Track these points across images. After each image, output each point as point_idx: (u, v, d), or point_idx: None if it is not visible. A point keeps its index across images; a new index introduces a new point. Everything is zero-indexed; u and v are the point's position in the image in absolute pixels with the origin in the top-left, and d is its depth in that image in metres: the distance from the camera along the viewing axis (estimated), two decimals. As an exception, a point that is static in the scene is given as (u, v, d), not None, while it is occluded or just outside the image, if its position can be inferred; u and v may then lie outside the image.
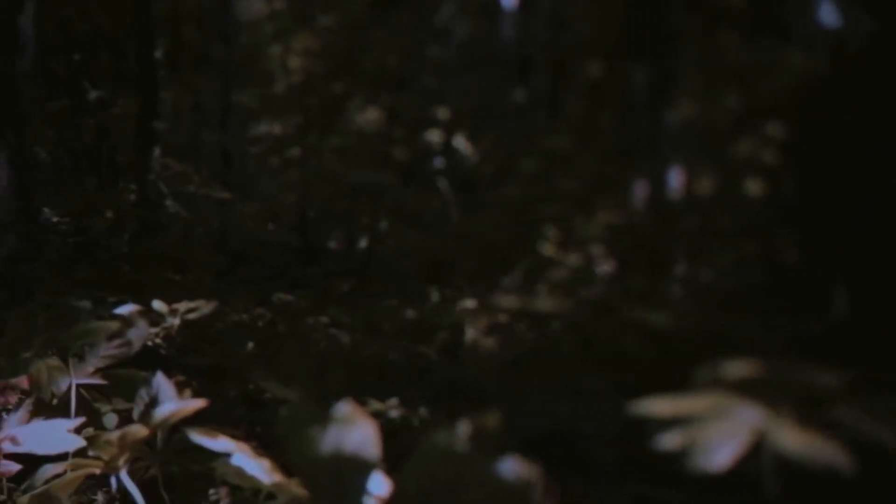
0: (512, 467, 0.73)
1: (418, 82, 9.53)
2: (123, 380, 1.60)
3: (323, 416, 0.80)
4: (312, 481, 0.80)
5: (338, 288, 5.99)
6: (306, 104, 8.13)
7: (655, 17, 7.78)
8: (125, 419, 1.57)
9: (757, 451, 0.79)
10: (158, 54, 5.43)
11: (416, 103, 9.30)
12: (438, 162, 9.23)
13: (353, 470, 0.76)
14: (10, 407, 1.54)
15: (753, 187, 6.90)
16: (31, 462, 1.37)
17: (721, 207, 6.77)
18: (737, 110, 7.74)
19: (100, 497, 1.52)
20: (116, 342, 1.63)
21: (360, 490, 0.75)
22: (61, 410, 1.54)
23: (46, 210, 4.41)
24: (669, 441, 0.81)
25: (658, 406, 0.86)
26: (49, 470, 1.27)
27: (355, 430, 0.79)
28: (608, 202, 6.72)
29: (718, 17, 8.18)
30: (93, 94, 5.18)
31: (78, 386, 1.61)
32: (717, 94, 7.81)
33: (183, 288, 4.11)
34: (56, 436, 1.30)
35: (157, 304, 2.64)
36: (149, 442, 1.32)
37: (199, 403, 1.21)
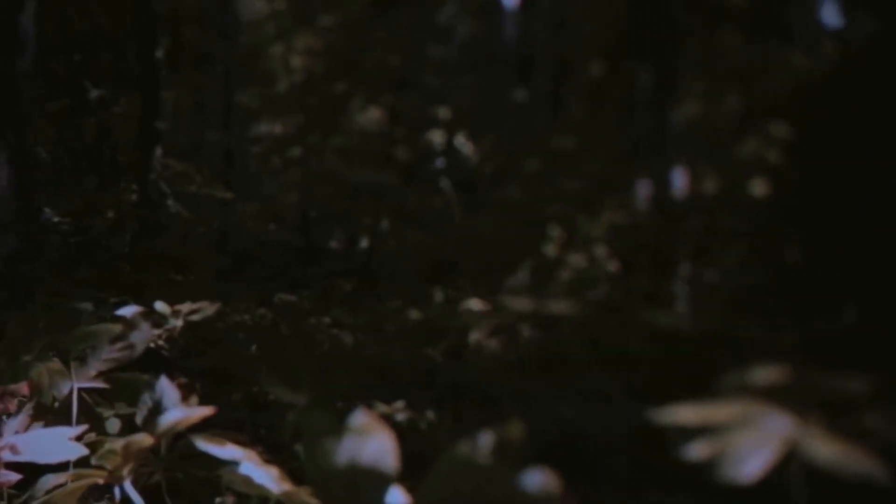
0: (537, 480, 0.70)
1: (420, 82, 9.51)
2: (126, 383, 1.56)
3: (337, 426, 0.77)
4: (327, 494, 0.77)
5: (340, 288, 5.97)
6: (307, 104, 8.11)
7: (658, 16, 7.76)
8: (128, 424, 1.54)
9: (781, 459, 0.76)
10: (159, 54, 5.40)
11: (418, 103, 9.28)
12: (440, 162, 9.21)
13: (369, 483, 0.73)
14: (8, 414, 1.51)
15: (757, 187, 6.88)
16: (32, 471, 1.34)
17: (725, 207, 6.74)
18: (740, 110, 7.72)
19: (103, 505, 1.49)
20: (119, 345, 1.60)
21: (378, 504, 0.73)
22: (62, 415, 1.51)
23: (47, 210, 4.39)
24: (697, 450, 0.78)
25: (683, 414, 0.83)
26: (50, 480, 1.24)
27: (372, 441, 0.76)
28: (612, 202, 6.70)
29: (721, 17, 8.16)
30: (94, 94, 5.15)
31: (80, 390, 1.58)
32: (720, 93, 7.79)
33: (184, 288, 4.09)
34: (57, 444, 1.27)
35: (160, 306, 2.61)
36: (152, 448, 1.29)
37: (206, 411, 1.18)
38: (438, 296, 5.67)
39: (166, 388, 1.38)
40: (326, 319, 4.59)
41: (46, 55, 4.69)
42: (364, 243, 7.94)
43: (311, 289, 5.67)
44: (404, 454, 0.87)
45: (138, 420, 1.37)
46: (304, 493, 1.01)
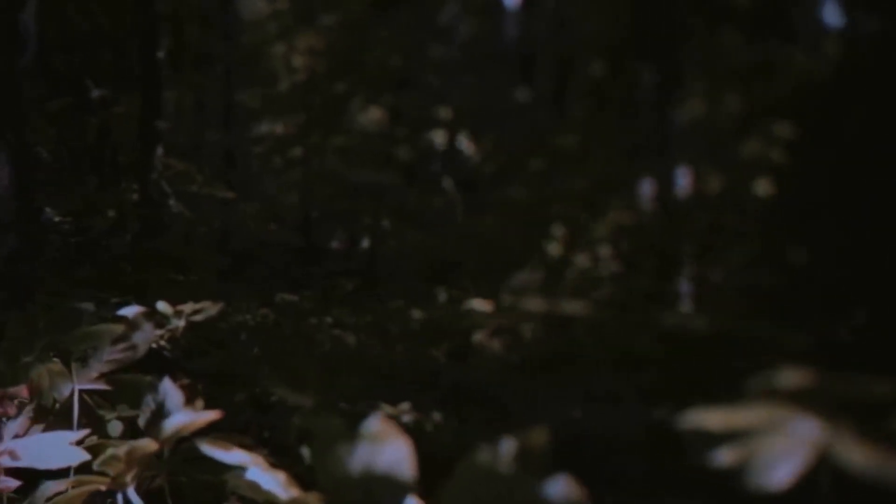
0: (560, 488, 0.67)
1: (421, 82, 9.49)
2: (128, 385, 1.54)
3: (350, 431, 0.74)
4: (340, 502, 0.73)
5: (341, 288, 5.94)
6: (309, 104, 8.09)
7: (660, 16, 7.73)
8: (130, 426, 1.51)
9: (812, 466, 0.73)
10: (161, 53, 5.38)
11: (419, 103, 9.26)
12: (441, 162, 9.19)
13: (386, 492, 0.70)
14: (7, 417, 1.48)
15: (761, 187, 6.85)
16: (32, 477, 1.30)
17: (729, 207, 6.72)
18: (743, 110, 7.69)
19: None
20: (121, 345, 1.57)
21: (396, 514, 0.70)
22: (63, 418, 1.48)
23: (47, 210, 4.36)
24: (723, 456, 0.75)
25: (709, 418, 0.80)
26: (51, 487, 1.21)
27: (388, 448, 0.73)
28: (615, 202, 6.67)
29: (723, 17, 8.13)
30: (95, 93, 5.13)
31: (81, 392, 1.55)
32: (723, 93, 7.76)
33: (186, 288, 4.06)
34: (58, 449, 1.23)
35: (162, 306, 2.58)
36: (156, 452, 1.26)
37: (213, 416, 1.15)
38: (441, 296, 5.64)
39: (170, 389, 1.35)
40: (328, 320, 4.57)
41: (47, 54, 4.67)
42: (365, 243, 7.92)
43: (312, 289, 5.65)
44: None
45: (141, 423, 1.34)
46: (313, 500, 0.98)
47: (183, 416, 1.20)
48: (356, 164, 8.30)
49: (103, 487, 1.21)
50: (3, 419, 1.52)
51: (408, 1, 9.57)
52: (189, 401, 1.40)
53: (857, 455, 0.72)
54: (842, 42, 7.45)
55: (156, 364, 2.00)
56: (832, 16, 7.83)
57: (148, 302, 2.47)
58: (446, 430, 2.80)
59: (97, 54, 5.26)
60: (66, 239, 4.46)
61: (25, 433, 1.46)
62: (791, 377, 0.82)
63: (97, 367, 1.57)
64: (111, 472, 1.17)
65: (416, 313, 4.98)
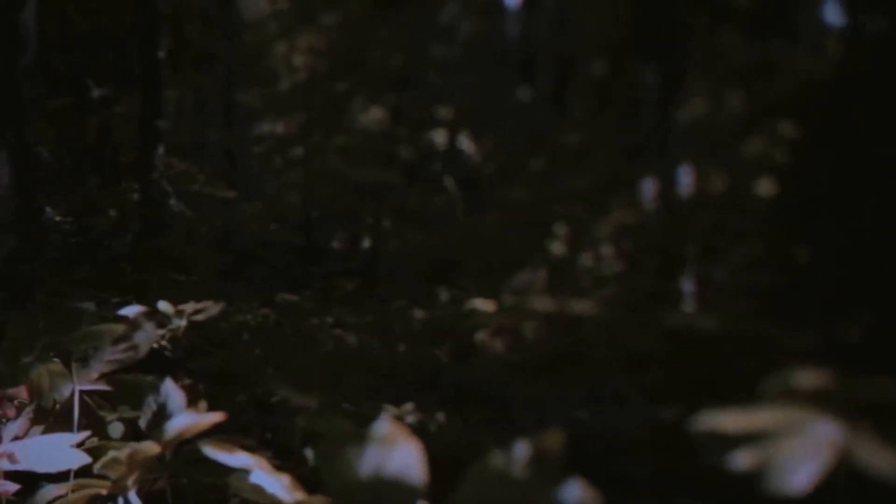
0: (576, 494, 0.65)
1: (422, 81, 9.47)
2: (129, 386, 1.51)
3: (359, 433, 0.72)
4: (348, 507, 0.72)
5: (342, 288, 5.93)
6: (309, 103, 8.07)
7: (662, 15, 7.71)
8: (131, 428, 1.49)
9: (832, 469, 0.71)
10: (161, 53, 5.36)
11: (420, 102, 9.24)
12: (442, 161, 9.17)
13: (395, 496, 0.68)
14: (7, 419, 1.46)
15: (763, 186, 6.83)
16: (32, 480, 1.28)
17: (731, 206, 6.70)
18: (745, 109, 7.67)
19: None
20: (122, 345, 1.55)
21: (405, 520, 0.68)
22: (63, 419, 1.46)
23: (48, 209, 4.34)
24: (740, 460, 0.73)
25: (725, 420, 0.78)
26: (50, 491, 1.19)
27: (397, 452, 0.71)
28: (618, 201, 6.65)
29: (725, 16, 8.12)
30: (95, 93, 5.11)
31: (81, 392, 1.53)
32: (725, 92, 7.74)
33: (187, 288, 4.04)
34: (58, 452, 1.21)
35: (163, 305, 2.56)
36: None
37: (216, 418, 1.13)
38: (443, 296, 5.62)
39: (171, 390, 1.33)
40: (329, 320, 4.55)
41: (48, 54, 4.65)
42: (366, 243, 7.90)
43: (313, 289, 5.63)
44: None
45: (142, 424, 1.32)
46: (318, 502, 0.96)
47: (186, 418, 1.18)
48: (357, 164, 8.28)
49: (104, 491, 1.19)
50: (3, 421, 1.50)
51: (408, 0, 9.55)
52: (191, 402, 1.38)
53: (878, 458, 0.70)
54: (843, 41, 7.43)
55: (157, 364, 1.98)
56: (833, 15, 7.82)
57: (149, 302, 2.46)
58: (450, 431, 2.78)
59: (97, 54, 5.25)
60: (66, 239, 4.44)
61: (25, 435, 1.44)
62: (808, 378, 0.80)
63: (98, 367, 1.55)
64: (112, 475, 1.15)
65: (418, 313, 4.96)
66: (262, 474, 1.04)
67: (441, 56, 10.16)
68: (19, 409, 1.51)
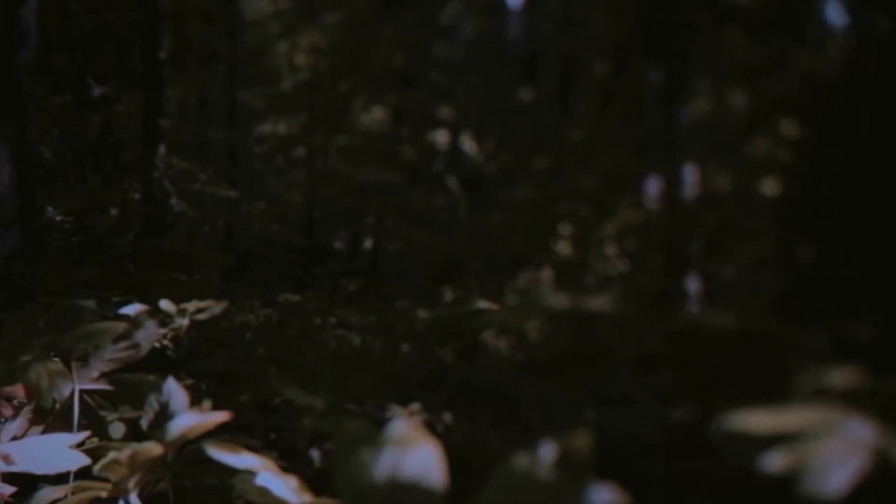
0: (605, 497, 0.61)
1: (425, 80, 9.44)
2: (131, 385, 1.48)
3: (374, 435, 0.68)
4: (363, 512, 0.68)
5: (345, 288, 5.90)
6: (312, 103, 8.05)
7: (666, 14, 7.68)
8: (132, 428, 1.45)
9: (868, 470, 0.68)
10: (163, 51, 5.34)
11: (423, 102, 9.22)
12: (445, 161, 9.15)
13: (413, 501, 0.64)
14: (3, 420, 1.42)
15: (769, 186, 6.80)
16: (30, 482, 1.24)
17: (737, 205, 6.67)
18: (750, 108, 7.65)
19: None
20: (123, 344, 1.51)
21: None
22: (63, 419, 1.42)
23: (49, 209, 4.32)
24: (774, 462, 0.70)
25: (755, 421, 0.74)
26: (48, 493, 1.16)
27: (416, 453, 0.67)
28: (623, 200, 6.62)
29: (730, 15, 8.09)
30: (96, 91, 5.09)
31: (81, 392, 1.50)
32: (730, 91, 7.71)
33: (189, 288, 4.02)
34: (56, 453, 1.17)
35: (165, 304, 2.53)
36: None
37: (221, 417, 1.10)
38: (447, 295, 5.59)
39: (174, 390, 1.29)
40: (332, 319, 4.52)
41: (49, 51, 4.63)
42: (368, 243, 7.87)
43: (315, 289, 5.61)
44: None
45: (144, 424, 1.29)
46: (327, 505, 0.93)
47: (189, 418, 1.14)
48: (359, 164, 8.25)
49: (104, 494, 1.15)
50: (1, 421, 1.47)
51: (411, 0, 9.53)
52: (194, 401, 1.34)
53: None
54: (849, 41, 7.41)
55: (159, 364, 1.95)
56: (837, 15, 7.79)
57: (151, 301, 2.43)
58: (457, 431, 2.75)
59: (99, 52, 5.22)
60: (68, 238, 4.41)
61: (24, 435, 1.40)
62: (840, 377, 0.77)
63: (98, 366, 1.51)
64: (113, 477, 1.11)
65: (422, 313, 4.94)
66: (269, 476, 1.00)
67: (443, 55, 10.14)
68: (18, 409, 1.47)
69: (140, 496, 1.14)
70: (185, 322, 2.48)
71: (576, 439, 0.62)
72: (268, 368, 2.86)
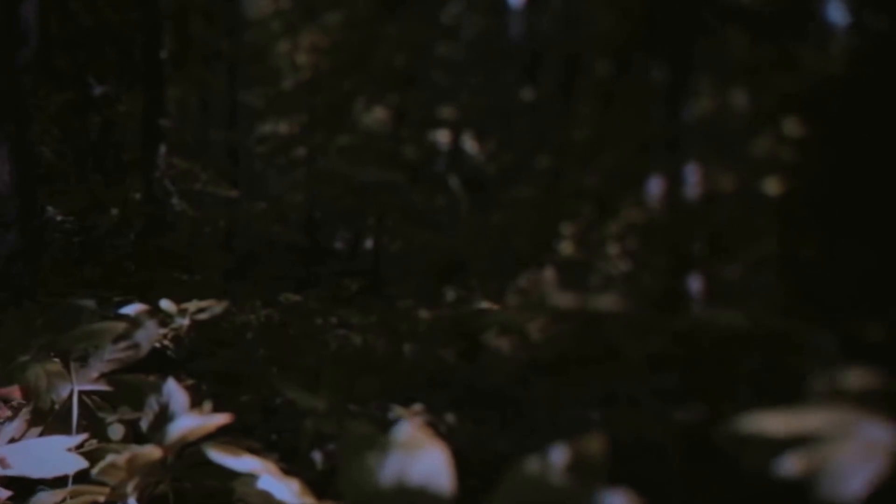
0: (618, 502, 0.59)
1: (426, 80, 9.43)
2: (130, 386, 1.46)
3: (380, 438, 0.66)
4: (369, 518, 0.66)
5: (347, 288, 5.89)
6: (313, 102, 8.03)
7: (670, 12, 7.66)
8: (132, 429, 1.43)
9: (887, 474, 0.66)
10: (164, 51, 5.33)
11: (424, 101, 9.20)
12: (446, 160, 9.13)
13: (421, 507, 0.63)
14: (1, 421, 1.40)
15: (772, 185, 6.78)
16: (29, 485, 1.22)
17: (740, 204, 6.64)
18: (754, 107, 7.62)
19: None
20: (123, 344, 1.49)
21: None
22: (62, 421, 1.40)
23: (50, 208, 4.30)
24: (790, 465, 0.68)
25: (770, 423, 0.72)
26: (45, 498, 1.13)
27: (423, 458, 0.65)
28: (626, 200, 6.59)
29: (732, 14, 8.07)
30: (97, 90, 5.07)
31: (80, 393, 1.48)
32: (733, 90, 7.69)
33: (190, 287, 4.00)
34: (53, 456, 1.15)
35: (166, 304, 2.51)
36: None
37: (222, 420, 1.07)
38: (450, 295, 5.57)
39: (174, 391, 1.27)
40: (333, 319, 4.50)
41: (50, 50, 4.61)
42: (370, 243, 7.86)
43: (317, 288, 5.59)
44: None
45: (143, 426, 1.27)
46: (329, 510, 0.91)
47: (189, 421, 1.12)
48: (361, 164, 8.23)
49: (102, 498, 1.13)
50: (-1, 422, 1.45)
51: (412, -1, 9.51)
52: (194, 403, 1.32)
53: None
54: (851, 40, 7.39)
55: (159, 364, 1.93)
56: (839, 14, 7.77)
57: (152, 301, 2.41)
58: (461, 432, 2.72)
59: (100, 51, 5.20)
60: (69, 237, 4.40)
61: (22, 437, 1.38)
62: (856, 378, 0.75)
63: (97, 366, 1.49)
64: (111, 481, 1.09)
65: (424, 313, 4.92)
66: (270, 479, 0.98)
67: (445, 55, 10.12)
68: (17, 411, 1.45)
69: (139, 499, 1.12)
70: (185, 322, 2.46)
71: (588, 443, 0.60)
72: (269, 369, 2.84)
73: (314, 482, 1.13)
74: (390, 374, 3.51)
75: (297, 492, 0.97)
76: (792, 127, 7.07)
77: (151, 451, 1.08)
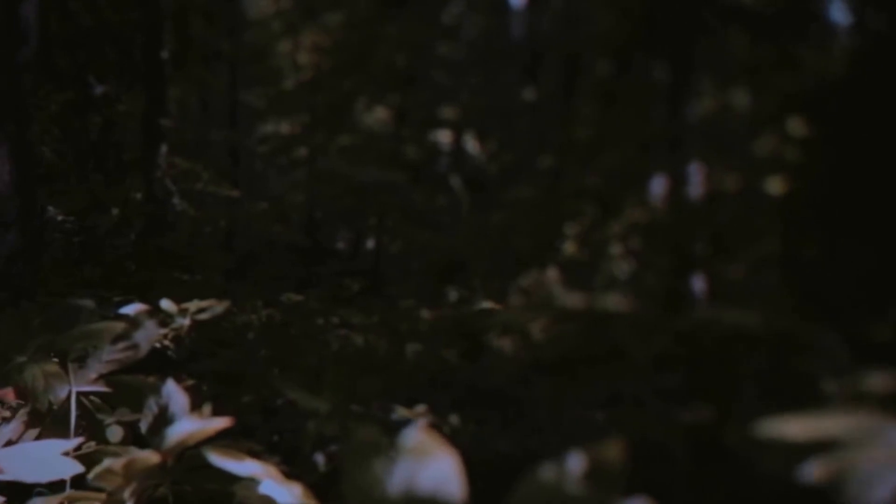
0: (638, 511, 0.57)
1: (427, 80, 9.41)
2: (129, 387, 1.43)
3: (387, 443, 0.64)
4: (375, 527, 0.63)
5: (348, 288, 5.87)
6: (314, 102, 8.01)
7: (671, 12, 7.64)
8: (131, 431, 1.41)
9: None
10: (165, 50, 5.31)
11: (425, 101, 9.19)
12: (448, 161, 9.11)
13: (431, 515, 0.60)
14: (-3, 422, 1.38)
15: (775, 184, 6.76)
16: (21, 491, 1.19)
17: (743, 204, 6.62)
18: (756, 107, 7.61)
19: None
20: (122, 345, 1.47)
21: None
22: (59, 422, 1.38)
23: (50, 208, 4.28)
24: (813, 472, 0.65)
25: (791, 428, 0.70)
26: (39, 503, 1.11)
27: (432, 464, 0.62)
28: (629, 199, 6.57)
29: (734, 13, 8.05)
30: (98, 90, 5.05)
31: (78, 394, 1.45)
32: (735, 90, 7.67)
33: (191, 287, 3.97)
34: (48, 460, 1.13)
35: (166, 304, 2.49)
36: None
37: (222, 423, 1.05)
38: (452, 295, 5.54)
39: (173, 392, 1.25)
40: (335, 320, 4.48)
41: (50, 50, 4.59)
42: (371, 243, 7.84)
43: (318, 289, 5.58)
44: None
45: (143, 428, 1.24)
46: (333, 515, 0.88)
47: (188, 424, 1.09)
48: (362, 164, 8.21)
49: (98, 504, 1.10)
50: (-4, 424, 1.42)
51: (413, -1, 9.50)
52: (194, 404, 1.30)
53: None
54: (853, 39, 7.38)
55: (159, 365, 1.90)
56: (841, 14, 7.76)
57: (152, 301, 2.38)
58: (464, 433, 2.70)
59: (100, 51, 5.18)
60: (69, 237, 4.38)
61: (19, 439, 1.36)
62: (880, 380, 0.72)
63: (96, 367, 1.47)
64: (107, 486, 1.07)
65: (426, 313, 4.89)
66: (272, 484, 0.96)
67: (446, 55, 10.10)
68: (14, 412, 1.43)
69: (138, 499, 1.09)
70: (186, 322, 2.44)
71: (607, 450, 0.57)
72: (270, 369, 2.81)
73: (316, 485, 1.11)
74: (392, 375, 3.48)
75: (299, 496, 0.94)
76: (794, 126, 7.06)
77: (149, 457, 1.06)
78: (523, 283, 5.70)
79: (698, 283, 5.54)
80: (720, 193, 6.71)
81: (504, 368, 4.06)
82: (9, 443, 1.34)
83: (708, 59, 7.85)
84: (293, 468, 1.31)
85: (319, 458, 1.79)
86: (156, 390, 1.27)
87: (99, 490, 1.10)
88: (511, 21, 10.06)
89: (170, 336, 2.51)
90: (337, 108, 8.36)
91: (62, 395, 1.45)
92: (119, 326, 1.50)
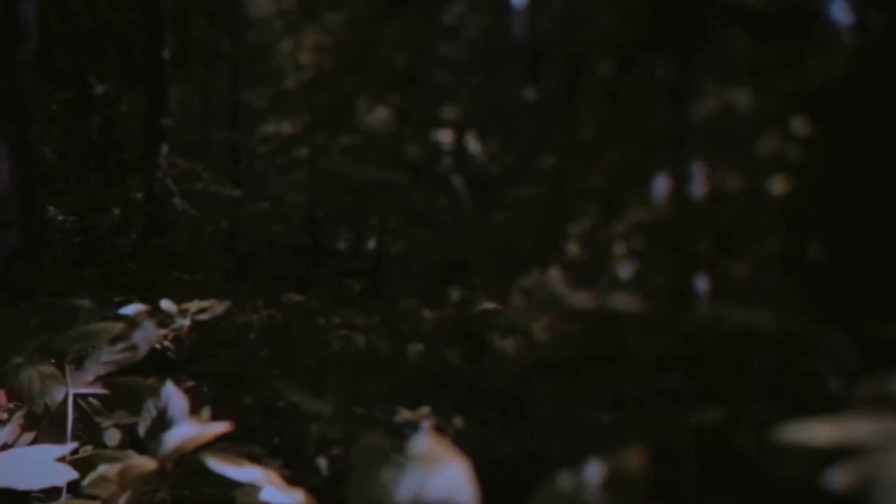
0: (658, 522, 0.55)
1: (428, 80, 9.40)
2: (127, 389, 1.41)
3: (395, 450, 0.61)
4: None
5: (349, 288, 5.85)
6: (315, 102, 8.00)
7: (674, 11, 7.62)
8: (129, 434, 1.38)
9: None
10: (166, 50, 5.29)
11: (426, 101, 9.17)
12: (449, 160, 9.10)
13: (441, 526, 0.57)
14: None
15: (778, 184, 6.74)
16: (15, 498, 1.17)
17: (746, 203, 6.60)
18: (759, 106, 7.59)
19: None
20: (120, 346, 1.44)
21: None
22: (56, 425, 1.36)
23: (51, 208, 4.26)
24: (839, 478, 0.63)
25: (816, 432, 0.67)
26: (31, 511, 1.09)
27: (443, 472, 0.60)
28: (631, 199, 6.54)
29: (736, 13, 8.03)
30: (98, 90, 5.04)
31: (76, 396, 1.43)
32: (738, 89, 7.65)
33: (191, 288, 3.95)
34: (41, 466, 1.10)
35: (166, 304, 2.47)
36: (156, 463, 1.13)
37: (221, 428, 1.02)
38: (454, 295, 5.52)
39: (172, 394, 1.22)
40: (336, 320, 4.46)
41: (50, 49, 4.57)
42: (372, 243, 7.82)
43: (319, 289, 5.56)
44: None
45: (141, 431, 1.22)
46: (336, 523, 0.86)
47: (187, 429, 1.07)
48: (363, 164, 8.20)
49: (93, 511, 1.08)
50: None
51: (414, -1, 9.48)
52: (194, 407, 1.27)
53: None
54: (854, 39, 7.36)
55: (159, 366, 1.88)
56: (844, 14, 7.74)
57: (152, 301, 2.36)
58: (467, 434, 2.67)
59: (101, 50, 5.17)
60: (69, 237, 4.36)
61: (14, 442, 1.33)
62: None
63: (94, 369, 1.44)
64: (102, 494, 1.04)
65: (427, 313, 4.87)
66: (273, 490, 0.93)
67: (447, 55, 10.09)
68: (10, 415, 1.40)
69: (136, 507, 1.07)
70: (186, 322, 2.42)
71: (627, 458, 0.55)
72: (271, 369, 2.79)
73: (319, 490, 1.08)
74: (395, 376, 3.46)
75: (301, 502, 0.92)
76: (797, 126, 7.03)
77: (145, 464, 1.03)
78: (525, 283, 5.67)
79: (701, 283, 5.51)
80: (723, 193, 6.68)
81: (506, 369, 4.04)
82: (4, 446, 1.31)
83: (710, 59, 7.83)
84: (295, 472, 1.29)
85: (322, 462, 1.77)
86: (154, 392, 1.25)
87: (94, 497, 1.08)
88: (512, 21, 10.05)
89: (170, 336, 2.48)
90: (338, 108, 8.34)
91: (59, 397, 1.42)
92: (117, 327, 1.47)
